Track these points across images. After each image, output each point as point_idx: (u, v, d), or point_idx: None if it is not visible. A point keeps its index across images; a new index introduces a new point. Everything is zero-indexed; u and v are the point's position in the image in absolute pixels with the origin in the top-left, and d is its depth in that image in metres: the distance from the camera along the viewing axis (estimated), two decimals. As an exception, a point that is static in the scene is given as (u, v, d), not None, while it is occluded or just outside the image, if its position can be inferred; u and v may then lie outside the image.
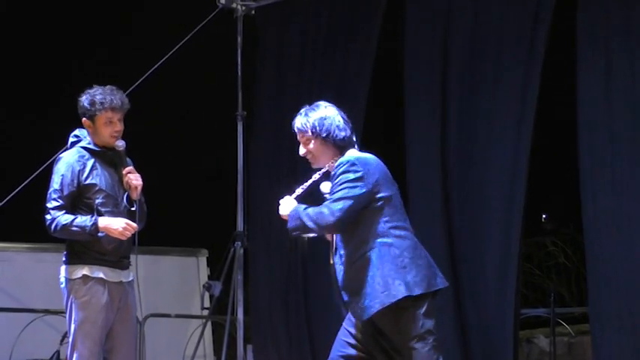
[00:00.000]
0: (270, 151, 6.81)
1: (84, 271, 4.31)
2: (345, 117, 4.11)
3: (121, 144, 4.35)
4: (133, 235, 4.35)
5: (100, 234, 4.25)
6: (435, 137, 6.09)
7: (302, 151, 4.12)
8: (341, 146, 4.05)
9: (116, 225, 4.25)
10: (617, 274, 5.32)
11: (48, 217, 4.30)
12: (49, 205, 4.31)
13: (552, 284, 7.13)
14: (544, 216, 6.20)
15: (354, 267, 3.92)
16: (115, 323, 4.36)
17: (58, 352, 6.72)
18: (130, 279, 4.43)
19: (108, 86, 4.39)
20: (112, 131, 4.33)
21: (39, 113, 8.19)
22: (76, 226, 4.24)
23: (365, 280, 3.85)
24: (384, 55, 6.51)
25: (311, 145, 4.07)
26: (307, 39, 6.61)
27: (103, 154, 4.37)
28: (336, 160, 4.00)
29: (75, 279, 4.32)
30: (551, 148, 6.68)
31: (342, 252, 3.98)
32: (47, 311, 6.88)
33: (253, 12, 5.70)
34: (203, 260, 7.80)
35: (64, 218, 4.25)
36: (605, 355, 5.33)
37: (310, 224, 3.96)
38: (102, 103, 4.30)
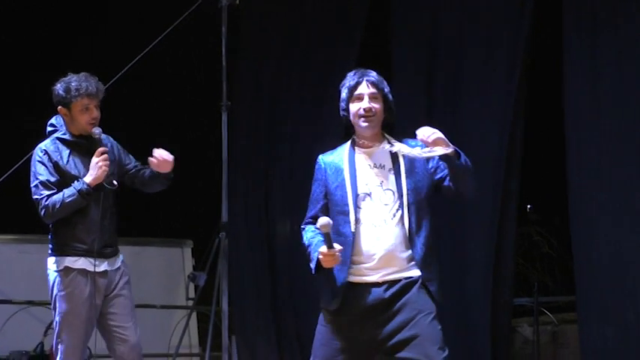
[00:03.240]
0: (250, 140, 6.81)
1: (65, 262, 4.31)
2: None
3: (97, 131, 4.32)
4: (116, 221, 4.37)
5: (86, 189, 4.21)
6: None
7: (366, 104, 3.77)
8: (385, 125, 3.83)
9: (95, 168, 4.23)
10: (603, 266, 5.36)
11: (41, 206, 4.26)
12: (38, 197, 4.28)
13: (536, 274, 7.16)
14: (529, 206, 6.22)
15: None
16: (106, 309, 4.34)
17: (42, 343, 6.71)
18: (117, 266, 4.40)
19: (82, 73, 4.35)
20: (88, 118, 4.30)
21: (20, 105, 8.14)
22: (69, 196, 4.23)
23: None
24: (369, 45, 6.51)
25: (378, 105, 3.80)
26: (291, 29, 6.61)
27: (78, 145, 4.35)
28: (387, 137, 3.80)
29: (58, 270, 4.32)
30: (537, 139, 6.70)
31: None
32: (31, 302, 6.87)
33: (237, 1, 5.67)
34: (188, 251, 7.79)
35: (56, 197, 4.24)
36: (590, 345, 5.37)
37: (471, 173, 3.73)
38: (77, 90, 4.27)
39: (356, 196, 3.75)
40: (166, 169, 4.37)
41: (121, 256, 4.47)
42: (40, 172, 4.31)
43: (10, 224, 7.29)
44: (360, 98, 3.81)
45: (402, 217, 3.72)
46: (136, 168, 4.52)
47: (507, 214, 5.88)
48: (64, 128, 4.38)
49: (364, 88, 3.81)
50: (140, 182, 4.51)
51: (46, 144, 4.36)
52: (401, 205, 3.73)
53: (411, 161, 3.78)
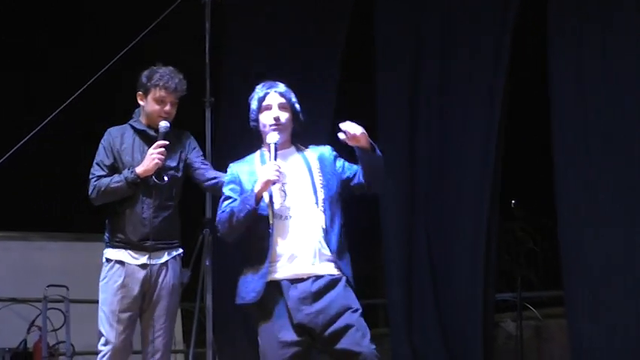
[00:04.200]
0: (236, 136, 6.80)
1: (107, 253, 4.34)
2: None
3: (164, 125, 4.34)
4: (170, 218, 4.33)
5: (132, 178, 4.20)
6: (406, 126, 6.15)
7: (275, 114, 3.93)
8: (293, 133, 3.97)
9: (147, 159, 4.24)
10: (591, 264, 5.39)
11: (90, 186, 4.30)
12: (91, 176, 4.33)
13: (520, 269, 7.18)
14: (513, 202, 6.26)
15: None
16: (146, 306, 4.33)
17: (25, 340, 6.68)
18: (160, 261, 4.35)
19: (170, 67, 4.41)
20: (160, 111, 4.35)
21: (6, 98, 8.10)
22: (116, 182, 4.26)
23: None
24: (354, 43, 6.52)
25: (287, 114, 3.96)
26: (276, 25, 6.60)
27: (145, 134, 4.37)
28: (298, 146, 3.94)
29: (103, 261, 4.35)
30: (522, 135, 6.73)
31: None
32: (14, 300, 6.83)
33: (221, -1, 5.66)
34: (172, 247, 7.76)
35: (104, 180, 4.28)
36: (579, 344, 5.41)
37: (381, 169, 3.89)
38: (158, 80, 4.33)
39: (271, 195, 3.82)
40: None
41: (172, 253, 4.41)
42: (99, 153, 4.36)
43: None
44: (269, 108, 3.96)
45: (316, 213, 3.83)
46: (200, 166, 4.50)
47: (491, 210, 5.92)
48: (137, 116, 4.43)
49: (272, 99, 3.97)
50: (202, 185, 4.52)
51: (114, 127, 4.42)
52: (316, 202, 3.85)
53: (321, 161, 3.93)
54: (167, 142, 4.32)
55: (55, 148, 7.56)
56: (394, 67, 6.25)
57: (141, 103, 4.41)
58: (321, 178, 3.89)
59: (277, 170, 3.79)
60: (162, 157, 4.27)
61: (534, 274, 7.68)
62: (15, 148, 4.47)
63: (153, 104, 4.36)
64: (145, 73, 4.40)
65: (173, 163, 4.41)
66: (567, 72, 5.53)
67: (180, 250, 4.46)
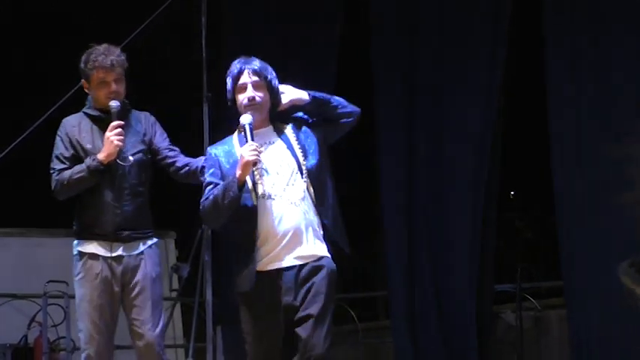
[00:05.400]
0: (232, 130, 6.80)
1: (79, 246, 4.19)
2: None
3: (114, 105, 4.16)
4: (140, 203, 4.17)
5: (100, 167, 4.06)
6: (403, 116, 6.15)
7: (249, 94, 3.79)
8: (272, 111, 3.85)
9: (107, 144, 4.07)
10: (589, 255, 5.39)
11: (52, 181, 4.16)
12: (51, 171, 4.18)
13: (519, 260, 7.19)
14: (512, 193, 6.26)
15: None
16: (126, 299, 4.16)
17: (25, 336, 6.69)
18: (135, 252, 4.18)
19: (103, 45, 4.22)
20: (106, 92, 4.17)
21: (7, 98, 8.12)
22: (78, 172, 4.10)
23: None
24: (349, 37, 6.52)
25: (262, 93, 3.81)
26: (271, 21, 6.60)
27: (101, 120, 4.19)
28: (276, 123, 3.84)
29: (74, 255, 4.19)
30: (520, 125, 6.74)
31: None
32: (14, 296, 6.84)
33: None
34: (171, 242, 7.76)
35: (66, 173, 4.13)
36: (577, 335, 5.42)
37: (335, 97, 3.86)
38: (93, 62, 4.16)
39: (253, 176, 3.74)
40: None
41: (147, 243, 4.24)
42: (57, 146, 4.22)
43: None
44: (244, 88, 3.83)
45: (302, 189, 3.75)
46: (167, 154, 4.31)
47: (489, 202, 5.93)
48: (90, 102, 4.27)
49: (246, 77, 3.83)
50: (173, 174, 4.32)
51: (69, 117, 4.27)
52: (301, 176, 3.75)
53: (297, 131, 3.83)
54: (122, 123, 4.12)
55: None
56: (391, 65, 6.25)
57: (87, 90, 4.24)
58: (300, 150, 3.79)
59: (255, 150, 3.67)
60: (121, 137, 4.09)
61: (533, 265, 7.69)
62: (14, 144, 4.44)
63: (97, 88, 4.17)
64: (82, 58, 4.20)
65: (138, 147, 4.22)
66: (562, 61, 5.53)
67: (155, 240, 4.28)
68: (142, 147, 4.24)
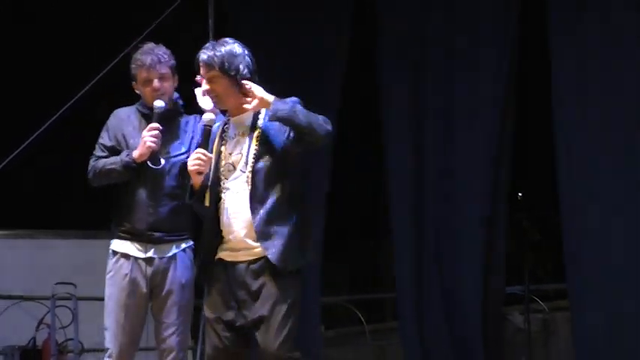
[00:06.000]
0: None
1: (112, 245, 4.19)
2: (253, 60, 3.76)
3: (157, 105, 4.13)
4: (176, 206, 4.10)
5: (133, 164, 4.06)
6: (412, 121, 6.17)
7: (204, 87, 3.72)
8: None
9: (140, 145, 4.07)
10: (594, 255, 5.39)
11: (89, 166, 4.17)
12: (91, 157, 4.19)
13: (527, 262, 7.18)
14: (519, 194, 6.26)
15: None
16: (155, 301, 4.14)
17: (34, 338, 6.71)
18: (168, 254, 4.14)
19: (150, 43, 4.24)
20: (150, 91, 4.16)
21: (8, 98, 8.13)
22: (111, 163, 4.10)
23: None
24: (357, 38, 6.52)
25: (216, 84, 3.68)
26: (279, 23, 6.60)
27: (148, 117, 4.18)
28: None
29: (109, 253, 4.20)
30: (527, 127, 6.74)
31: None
32: (22, 297, 6.85)
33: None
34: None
35: (101, 161, 4.14)
36: (582, 335, 5.41)
37: (302, 118, 3.53)
38: (136, 61, 4.18)
39: (207, 172, 3.72)
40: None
41: (181, 246, 4.17)
42: (102, 134, 4.24)
43: (0, 219, 7.28)
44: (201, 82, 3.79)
45: (248, 182, 3.64)
46: None
47: (498, 202, 5.92)
48: (142, 99, 4.27)
49: (202, 71, 3.74)
50: None
51: (121, 109, 4.29)
52: (245, 172, 3.66)
53: (267, 126, 3.67)
54: (158, 126, 4.07)
55: (63, 146, 7.57)
56: (398, 60, 6.25)
57: (135, 89, 4.25)
58: (256, 146, 3.66)
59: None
60: (156, 139, 4.06)
61: (541, 267, 7.69)
62: (22, 146, 4.45)
63: (142, 87, 4.18)
64: (132, 58, 4.23)
65: (181, 149, 4.18)
66: (568, 59, 5.54)
67: (191, 242, 4.20)
68: (183, 150, 4.19)
